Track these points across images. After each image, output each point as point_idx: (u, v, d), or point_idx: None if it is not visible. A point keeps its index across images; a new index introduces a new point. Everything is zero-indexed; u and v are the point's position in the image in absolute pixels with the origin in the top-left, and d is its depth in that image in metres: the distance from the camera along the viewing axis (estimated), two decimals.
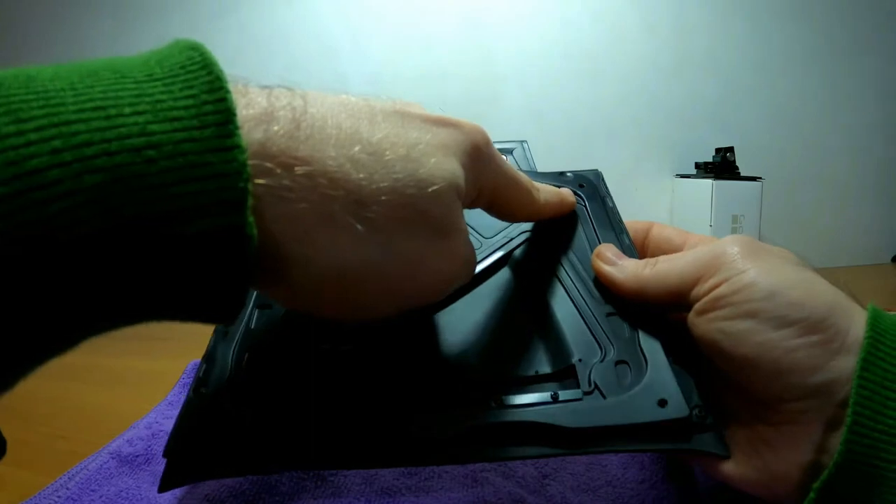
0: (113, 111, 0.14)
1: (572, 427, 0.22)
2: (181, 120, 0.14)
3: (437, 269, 0.20)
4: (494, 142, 0.33)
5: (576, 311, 0.28)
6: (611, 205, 0.34)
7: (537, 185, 0.27)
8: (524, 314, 0.29)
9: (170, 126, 0.14)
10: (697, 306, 0.24)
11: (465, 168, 0.21)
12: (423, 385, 0.25)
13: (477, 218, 0.34)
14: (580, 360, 0.25)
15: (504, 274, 0.31)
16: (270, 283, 0.18)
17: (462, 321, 0.29)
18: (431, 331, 0.28)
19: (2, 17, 1.03)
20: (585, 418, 0.23)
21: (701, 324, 0.24)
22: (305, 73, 1.01)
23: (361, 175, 0.17)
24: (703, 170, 0.97)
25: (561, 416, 0.23)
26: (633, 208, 1.07)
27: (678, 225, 1.14)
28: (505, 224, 0.33)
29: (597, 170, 0.38)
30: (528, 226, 0.33)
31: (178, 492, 0.29)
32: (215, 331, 0.27)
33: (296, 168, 0.16)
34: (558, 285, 0.30)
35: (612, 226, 0.33)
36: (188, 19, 1.01)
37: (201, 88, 0.15)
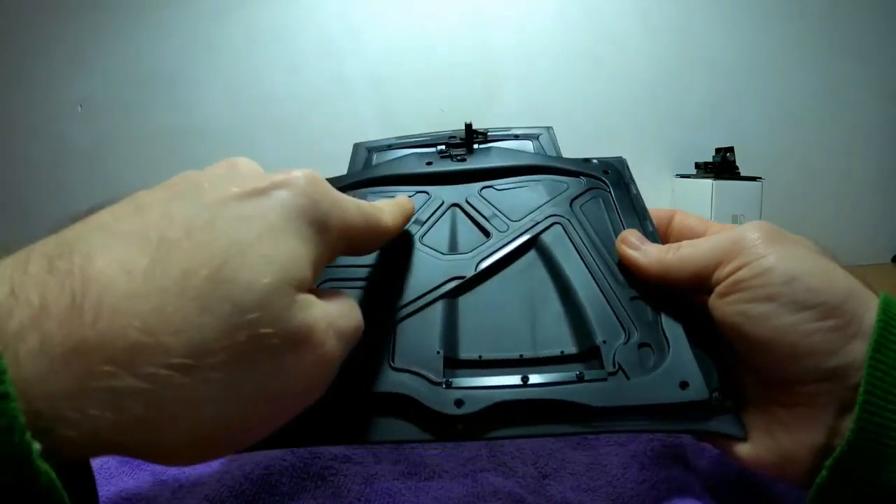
0: None
1: (597, 406, 0.23)
2: None
3: (303, 379, 0.18)
4: (518, 127, 0.37)
5: (600, 294, 0.29)
6: (635, 192, 0.35)
7: (377, 203, 0.26)
8: (550, 296, 0.30)
9: None
10: (718, 289, 0.25)
11: (302, 241, 0.18)
12: (450, 363, 0.26)
13: (504, 201, 0.35)
14: (604, 342, 0.26)
15: (530, 256, 0.32)
16: (138, 457, 0.16)
17: (489, 302, 0.30)
18: (459, 311, 0.29)
19: (3, 16, 1.03)
20: (609, 398, 0.24)
21: (721, 306, 0.25)
22: (305, 73, 1.01)
23: (170, 337, 0.15)
24: (703, 170, 0.97)
25: (586, 394, 0.24)
26: None
27: None
28: (532, 207, 0.34)
29: (621, 157, 0.38)
30: (555, 210, 0.34)
31: (178, 492, 0.29)
32: None
33: (93, 368, 0.14)
34: (584, 268, 0.30)
35: (637, 212, 0.34)
36: (189, 20, 1.01)
37: None
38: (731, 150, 0.94)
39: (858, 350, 0.22)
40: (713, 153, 0.96)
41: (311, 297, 0.18)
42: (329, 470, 0.30)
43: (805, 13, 1.03)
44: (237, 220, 0.17)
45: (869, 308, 0.22)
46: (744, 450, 0.24)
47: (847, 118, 1.07)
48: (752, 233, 0.25)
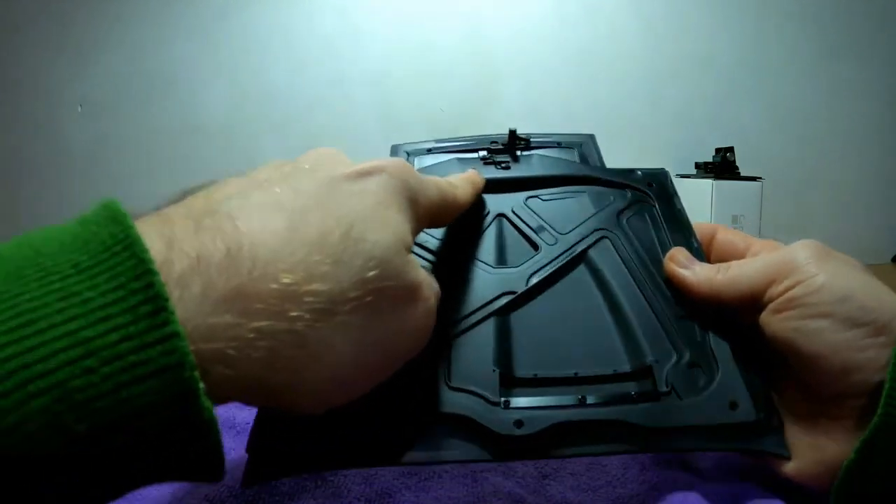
0: (44, 323, 0.14)
1: (650, 426, 0.24)
2: (112, 318, 0.14)
3: (415, 329, 0.21)
4: (560, 134, 0.40)
5: (650, 311, 0.29)
6: (678, 206, 0.36)
7: (450, 179, 0.29)
8: (601, 312, 0.30)
9: (102, 327, 0.14)
10: (772, 306, 0.26)
11: (403, 213, 0.21)
12: (506, 381, 0.26)
13: (551, 212, 0.35)
14: (657, 361, 0.26)
15: (580, 271, 0.32)
16: (274, 400, 0.18)
17: (541, 318, 0.30)
18: (511, 327, 0.29)
19: (3, 16, 1.03)
20: (663, 418, 0.24)
21: (774, 322, 0.26)
22: (306, 73, 1.01)
23: (315, 284, 0.17)
24: (703, 170, 0.97)
25: (641, 415, 0.24)
26: None
27: None
28: (579, 220, 0.35)
29: (664, 169, 0.39)
30: (602, 223, 0.34)
31: (178, 492, 0.29)
32: None
33: (251, 310, 0.16)
34: (633, 285, 0.31)
35: (682, 228, 0.34)
36: (189, 20, 1.01)
37: (128, 276, 0.15)
38: (731, 150, 0.94)
39: None
40: (713, 153, 0.96)
41: (416, 259, 0.21)
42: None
43: (805, 13, 1.03)
44: (352, 195, 0.20)
45: None
46: (790, 464, 0.25)
47: (847, 118, 1.07)
48: (802, 251, 0.26)
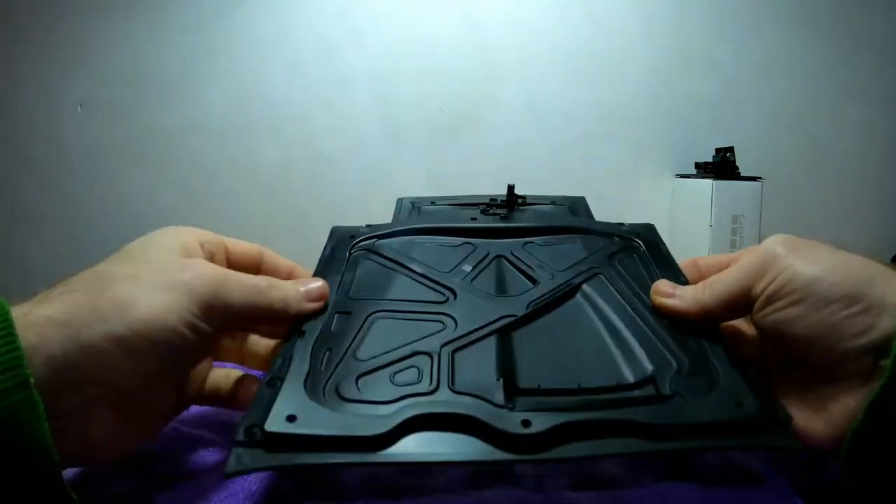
0: None
1: (659, 424, 0.24)
2: None
3: None
4: (553, 196, 0.47)
5: (646, 330, 0.31)
6: (665, 251, 0.39)
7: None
8: (598, 333, 0.31)
9: None
10: (756, 306, 0.29)
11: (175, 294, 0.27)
12: (510, 390, 0.26)
13: (547, 254, 0.38)
14: (658, 372, 0.28)
15: (577, 301, 0.34)
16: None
17: (542, 338, 0.31)
18: (513, 344, 0.30)
19: (3, 16, 1.03)
20: (671, 416, 0.25)
21: (761, 318, 0.29)
22: (305, 73, 1.01)
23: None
24: (703, 170, 0.97)
25: (649, 414, 0.25)
26: (634, 208, 1.07)
27: (678, 225, 1.14)
28: (574, 260, 0.37)
29: (650, 224, 0.43)
30: (595, 263, 0.37)
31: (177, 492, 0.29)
32: (292, 328, 0.30)
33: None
34: (627, 309, 0.32)
35: (670, 266, 0.36)
36: (189, 20, 1.01)
37: None
38: (731, 150, 0.94)
39: (886, 324, 0.25)
40: (713, 153, 0.96)
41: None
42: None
43: (805, 13, 1.02)
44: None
45: (888, 286, 0.26)
46: (800, 429, 0.27)
47: (847, 118, 1.07)
48: (772, 248, 0.29)
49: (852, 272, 0.27)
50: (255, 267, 0.35)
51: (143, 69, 1.03)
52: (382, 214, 1.18)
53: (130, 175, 1.08)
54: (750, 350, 0.33)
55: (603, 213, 1.15)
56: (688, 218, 0.99)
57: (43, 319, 0.23)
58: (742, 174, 0.93)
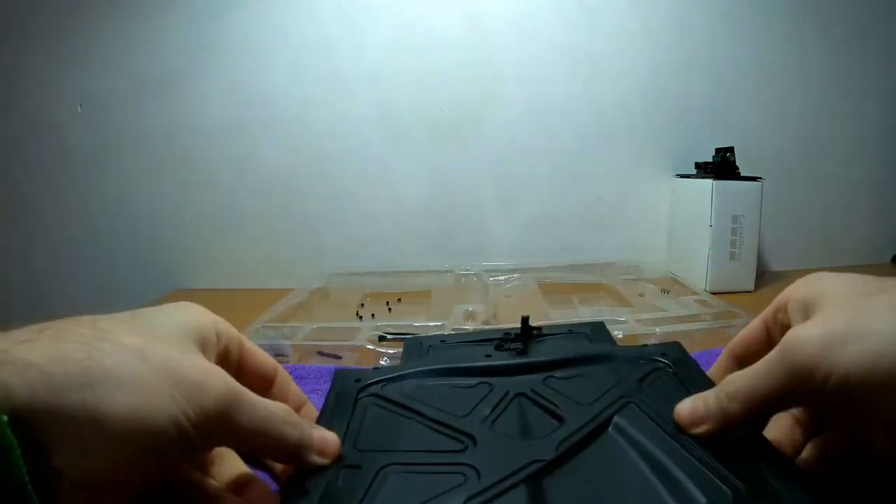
0: None
1: None
2: None
3: None
4: (570, 324, 0.45)
5: (692, 459, 0.28)
6: (695, 368, 0.37)
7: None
8: (640, 470, 0.28)
9: None
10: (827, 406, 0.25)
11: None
12: None
13: (571, 388, 0.36)
14: (713, 503, 0.25)
15: (610, 436, 0.31)
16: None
17: (577, 483, 0.28)
18: (545, 493, 0.27)
19: (3, 16, 1.03)
20: None
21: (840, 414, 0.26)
22: (305, 73, 1.01)
23: None
24: (703, 170, 0.97)
25: None
26: (634, 208, 1.07)
27: (678, 225, 1.13)
28: (601, 391, 0.35)
29: (676, 342, 0.41)
30: (624, 392, 0.34)
31: None
32: (291, 482, 0.27)
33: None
34: (667, 438, 0.30)
35: (705, 383, 0.34)
36: (188, 19, 1.01)
37: None
38: (731, 150, 0.94)
39: None
40: (713, 153, 0.96)
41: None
42: None
43: (805, 13, 1.02)
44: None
45: None
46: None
47: (848, 118, 1.07)
48: (808, 340, 0.24)
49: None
50: (266, 381, 0.32)
51: (143, 69, 1.03)
52: (382, 214, 1.18)
53: (130, 174, 1.08)
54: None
55: (603, 212, 1.14)
56: (688, 218, 0.99)
57: (22, 363, 0.20)
58: (742, 174, 0.93)
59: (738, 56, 1.03)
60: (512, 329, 0.46)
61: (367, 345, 0.66)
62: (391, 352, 0.64)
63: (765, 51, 1.04)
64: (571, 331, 0.48)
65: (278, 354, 0.65)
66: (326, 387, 0.50)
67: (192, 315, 0.28)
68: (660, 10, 1.01)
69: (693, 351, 0.59)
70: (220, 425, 0.24)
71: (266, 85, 1.02)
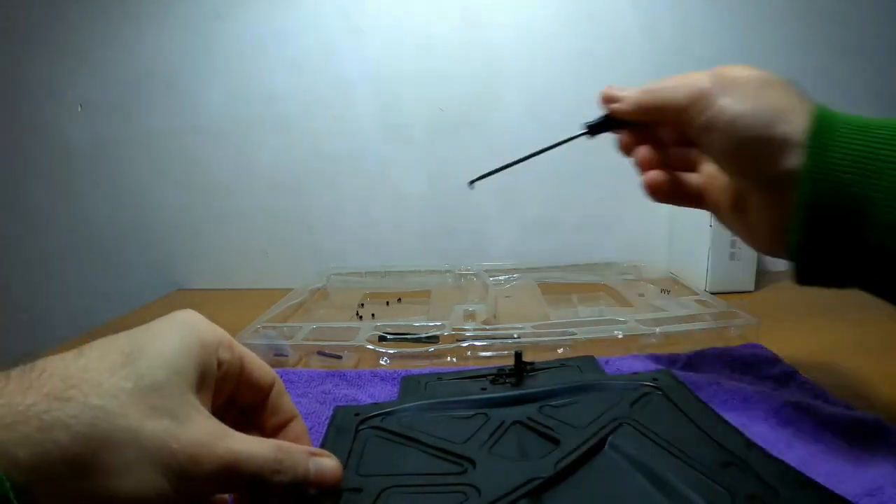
0: None
1: None
2: None
3: None
4: (562, 358, 0.51)
5: (689, 468, 0.29)
6: (686, 390, 0.39)
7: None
8: (638, 482, 0.29)
9: None
10: (697, 130, 0.39)
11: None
12: None
13: (566, 414, 0.37)
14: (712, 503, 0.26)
15: (607, 454, 0.32)
16: None
17: (575, 496, 0.29)
18: None
19: (3, 16, 1.03)
20: None
21: (701, 141, 0.39)
22: (305, 73, 1.01)
23: None
24: None
25: None
26: (634, 208, 1.07)
27: (678, 225, 1.13)
28: (595, 415, 0.36)
29: (666, 369, 0.43)
30: (618, 414, 0.36)
31: None
32: None
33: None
34: (664, 452, 0.31)
35: (692, 401, 0.36)
36: (188, 19, 1.01)
37: None
38: None
39: (795, 161, 0.34)
40: None
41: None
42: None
43: (806, 13, 1.02)
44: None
45: (800, 125, 0.36)
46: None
47: None
48: (707, 84, 0.40)
49: (767, 113, 0.36)
50: (262, 394, 0.32)
51: (143, 69, 1.03)
52: (382, 214, 1.18)
53: (130, 174, 1.08)
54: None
55: (603, 212, 1.14)
56: (688, 218, 0.99)
57: (8, 460, 0.19)
58: None
59: (737, 56, 1.03)
60: (506, 366, 0.48)
61: (367, 345, 0.66)
62: (391, 352, 0.64)
63: (765, 51, 1.04)
64: (563, 364, 0.50)
65: (278, 354, 0.65)
66: (315, 391, 0.51)
67: (193, 341, 0.26)
68: (660, 10, 1.01)
69: (692, 351, 0.59)
70: (212, 490, 0.25)
71: (266, 85, 1.02)
